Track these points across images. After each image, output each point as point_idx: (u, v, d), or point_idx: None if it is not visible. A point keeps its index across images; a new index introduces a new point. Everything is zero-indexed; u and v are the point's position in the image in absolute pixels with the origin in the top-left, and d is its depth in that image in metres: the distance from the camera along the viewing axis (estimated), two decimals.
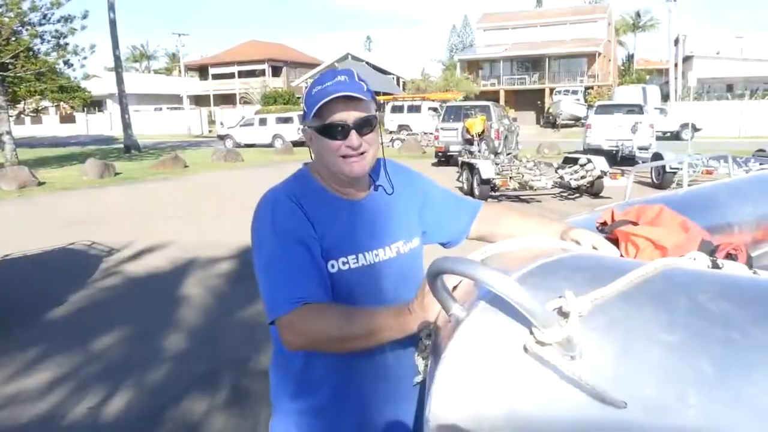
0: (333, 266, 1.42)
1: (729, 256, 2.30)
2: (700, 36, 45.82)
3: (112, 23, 25.32)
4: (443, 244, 1.68)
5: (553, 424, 0.82)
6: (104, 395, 3.93)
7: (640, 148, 15.57)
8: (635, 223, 2.27)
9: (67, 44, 19.57)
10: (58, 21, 19.24)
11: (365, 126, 1.42)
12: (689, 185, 4.64)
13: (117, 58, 26.24)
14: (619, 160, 15.63)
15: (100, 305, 5.85)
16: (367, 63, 44.91)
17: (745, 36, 43.99)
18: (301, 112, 1.49)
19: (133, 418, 3.66)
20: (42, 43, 19.60)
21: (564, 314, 0.84)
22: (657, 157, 12.74)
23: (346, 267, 1.43)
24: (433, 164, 18.47)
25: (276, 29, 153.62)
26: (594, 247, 1.42)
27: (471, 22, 67.32)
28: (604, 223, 2.29)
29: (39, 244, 8.38)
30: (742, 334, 0.85)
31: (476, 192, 11.48)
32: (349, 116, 1.40)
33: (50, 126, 51.43)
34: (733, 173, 4.54)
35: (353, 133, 1.40)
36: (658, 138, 23.82)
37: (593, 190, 11.19)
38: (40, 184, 15.29)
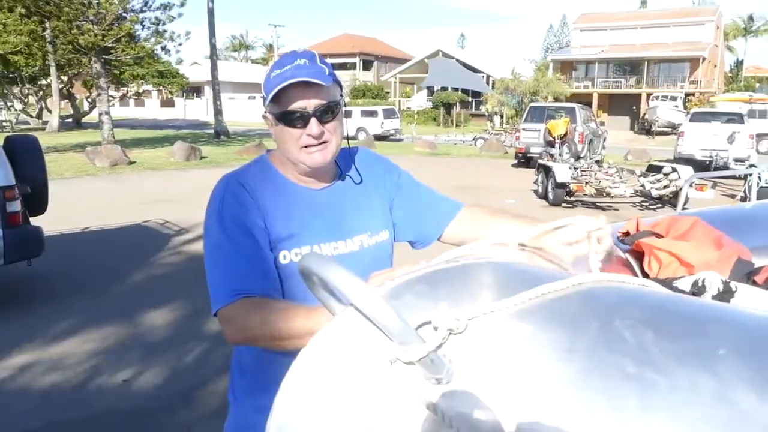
0: (285, 257, 1.33)
1: None
2: None
3: (210, 12, 26.27)
4: (411, 243, 1.56)
5: None
6: (141, 369, 4.05)
7: (737, 160, 14.55)
8: (660, 236, 2.07)
9: (165, 31, 20.53)
10: (158, 8, 20.21)
11: (326, 113, 1.32)
12: None
13: (213, 46, 27.23)
14: (713, 171, 14.67)
15: (159, 282, 6.05)
16: (458, 60, 44.48)
17: None
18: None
19: (166, 393, 3.74)
20: (142, 29, 20.66)
21: (435, 330, 0.72)
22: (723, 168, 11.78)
23: (299, 258, 1.33)
24: (513, 165, 18.06)
25: (371, 23, 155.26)
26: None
27: (569, 22, 65.35)
28: (627, 233, 2.10)
29: (118, 220, 8.83)
30: (657, 372, 0.70)
31: (550, 196, 11.11)
32: (309, 103, 1.30)
33: (152, 109, 54.24)
34: None
35: (313, 121, 1.31)
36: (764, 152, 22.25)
37: (676, 201, 10.53)
38: (131, 163, 16.11)
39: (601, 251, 1.32)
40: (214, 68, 27.00)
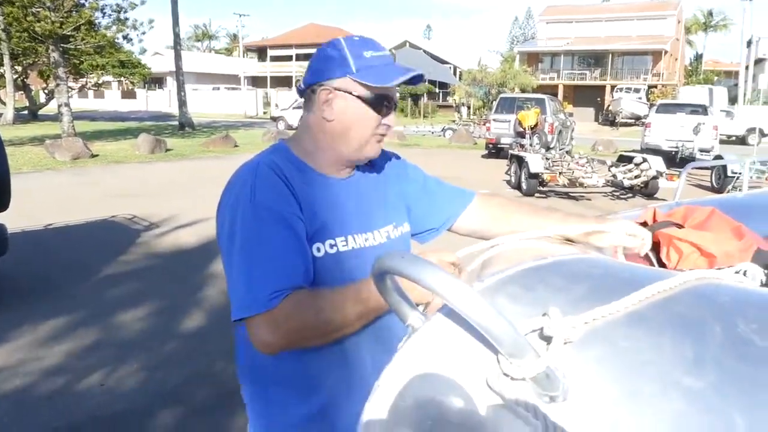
0: (319, 250, 1.23)
1: None
2: None
3: (173, 0, 25.66)
4: (419, 235, 1.48)
5: None
6: (119, 371, 3.86)
7: (702, 151, 14.82)
8: (680, 226, 2.00)
9: (126, 19, 19.92)
10: None
11: (395, 108, 1.32)
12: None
13: (176, 35, 26.57)
14: (678, 161, 14.90)
15: (131, 280, 5.82)
16: (425, 51, 44.41)
17: None
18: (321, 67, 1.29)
19: (147, 396, 3.57)
20: (102, 17, 20.00)
21: (545, 339, 0.61)
22: (718, 159, 12.09)
23: (334, 250, 1.24)
24: (483, 156, 18.09)
25: (337, 14, 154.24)
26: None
27: (534, 14, 65.88)
28: (644, 224, 2.02)
29: (83, 215, 8.51)
30: None
31: (524, 186, 11.14)
32: (394, 93, 1.29)
33: (112, 101, 52.93)
34: None
35: (393, 113, 1.30)
36: (722, 142, 22.78)
37: (647, 191, 10.66)
38: (93, 156, 15.60)
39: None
40: (178, 58, 26.37)
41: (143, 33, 20.69)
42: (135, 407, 3.43)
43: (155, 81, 53.76)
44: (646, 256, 2.05)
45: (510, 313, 0.65)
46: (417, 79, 1.27)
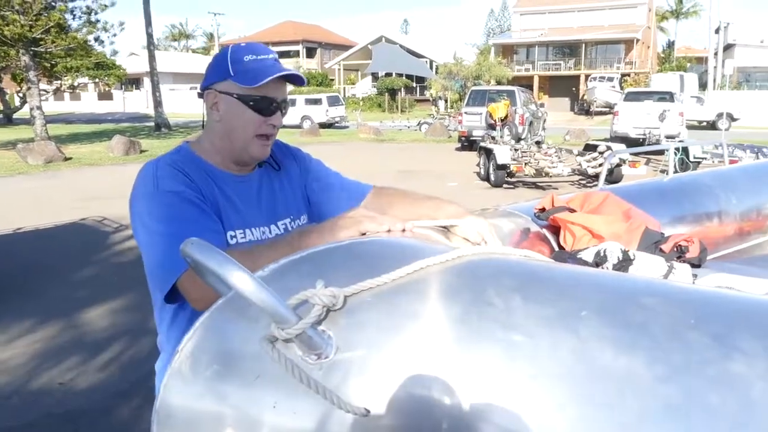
0: (232, 237, 1.37)
1: (678, 248, 2.17)
2: (743, 24, 44.23)
3: (145, 1, 25.51)
4: None
5: (284, 429, 0.74)
6: (80, 370, 3.96)
7: (668, 137, 15.08)
8: (573, 210, 2.16)
9: (97, 21, 19.79)
10: None
11: (285, 108, 1.41)
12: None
13: (149, 36, 26.41)
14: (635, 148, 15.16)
15: (98, 281, 5.90)
16: (401, 46, 44.47)
17: None
18: (220, 76, 1.37)
19: (105, 394, 3.67)
20: (73, 19, 19.85)
21: (312, 307, 0.75)
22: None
23: (234, 242, 1.37)
24: (457, 149, 18.25)
25: (314, 10, 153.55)
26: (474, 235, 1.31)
27: (509, 6, 66.13)
28: (543, 209, 2.18)
29: (54, 219, 8.54)
30: (522, 334, 0.75)
31: (492, 177, 11.31)
32: (279, 93, 1.38)
33: (89, 103, 52.33)
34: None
35: (278, 114, 1.39)
36: (695, 127, 23.16)
37: (612, 178, 10.86)
38: (67, 159, 15.55)
39: None
40: (151, 59, 26.24)
41: (114, 35, 20.61)
42: (92, 406, 3.53)
43: (132, 82, 53.24)
44: (546, 239, 2.22)
45: (296, 288, 0.78)
46: (297, 80, 1.40)
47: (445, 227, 1.44)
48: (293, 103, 30.35)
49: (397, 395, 0.73)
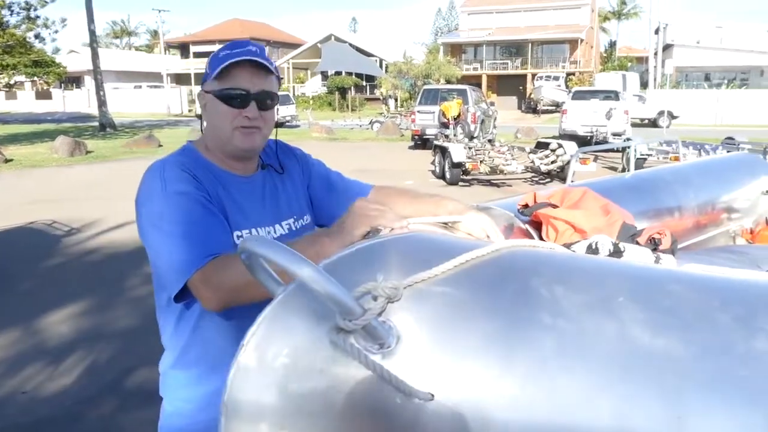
0: (237, 237, 1.37)
1: (653, 241, 2.28)
2: (681, 25, 45.99)
3: None
4: (325, 226, 1.63)
5: (349, 413, 0.77)
6: (44, 377, 3.85)
7: (614, 134, 15.62)
8: (555, 206, 2.24)
9: (37, 17, 19.12)
10: None
11: (266, 100, 1.39)
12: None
13: (92, 33, 25.60)
14: (594, 145, 15.64)
15: (54, 285, 5.73)
16: (351, 44, 44.43)
17: (725, 26, 44.20)
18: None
19: (72, 400, 3.59)
20: (11, 15, 19.11)
21: (374, 299, 0.78)
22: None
23: (239, 242, 1.38)
24: (410, 147, 18.40)
25: (261, 8, 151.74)
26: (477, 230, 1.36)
27: (456, 6, 66.94)
28: (526, 206, 2.26)
29: None
30: (568, 320, 0.80)
31: (447, 175, 11.47)
32: (253, 85, 1.36)
33: (26, 102, 50.36)
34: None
35: (253, 104, 1.37)
36: (636, 125, 23.96)
37: (563, 175, 11.17)
38: (7, 161, 14.97)
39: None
40: (95, 56, 25.42)
41: (56, 32, 19.96)
42: (57, 413, 3.44)
43: (72, 80, 51.62)
44: (529, 235, 2.29)
45: (349, 281, 0.81)
46: (262, 66, 1.36)
47: (447, 223, 1.49)
48: None
49: (457, 380, 0.77)
